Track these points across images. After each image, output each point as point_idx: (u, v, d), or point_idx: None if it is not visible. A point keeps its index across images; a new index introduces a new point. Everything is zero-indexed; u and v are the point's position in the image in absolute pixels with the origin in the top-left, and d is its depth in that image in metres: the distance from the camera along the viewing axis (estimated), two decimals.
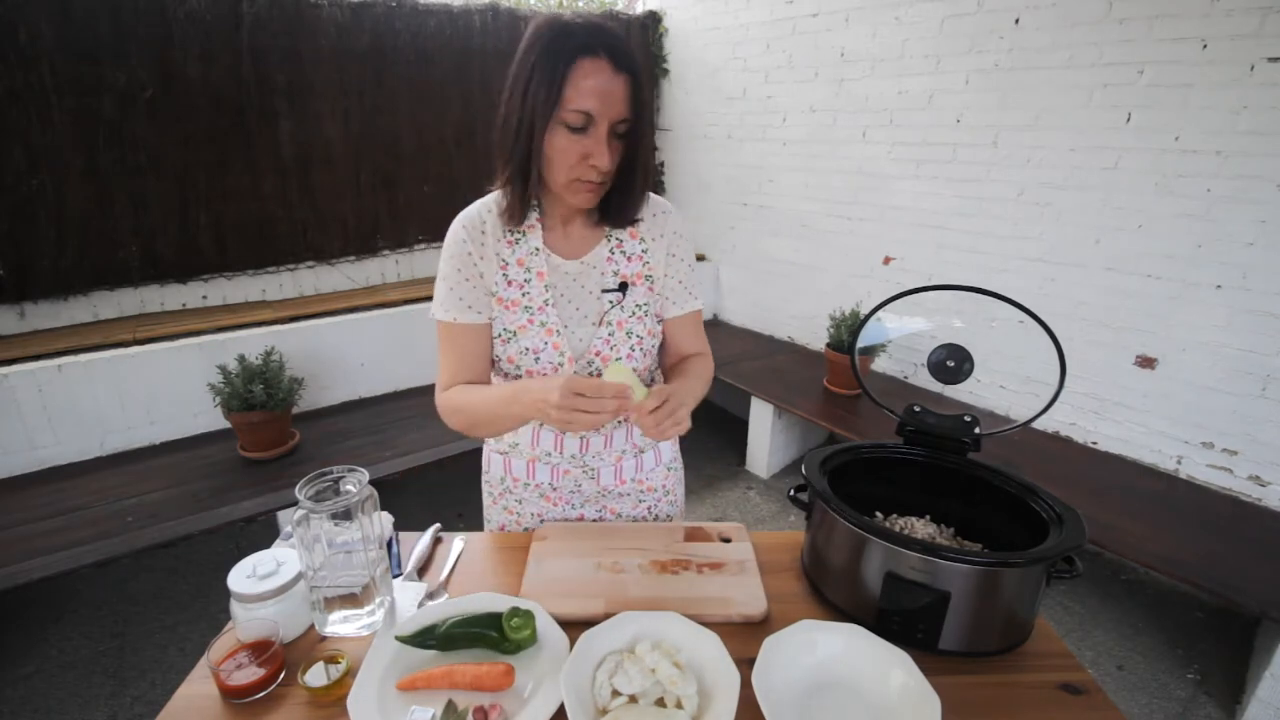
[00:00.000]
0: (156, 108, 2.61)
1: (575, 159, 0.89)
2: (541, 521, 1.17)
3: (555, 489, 1.15)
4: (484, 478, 1.23)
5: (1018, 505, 0.95)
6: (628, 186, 0.97)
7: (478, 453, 2.63)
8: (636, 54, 0.89)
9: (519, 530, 1.19)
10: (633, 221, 1.03)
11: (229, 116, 2.78)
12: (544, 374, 1.02)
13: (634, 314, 1.04)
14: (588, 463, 1.12)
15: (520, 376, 1.03)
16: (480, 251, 1.00)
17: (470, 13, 3.31)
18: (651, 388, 0.92)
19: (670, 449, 1.22)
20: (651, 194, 1.06)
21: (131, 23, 2.51)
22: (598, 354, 1.03)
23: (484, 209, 1.02)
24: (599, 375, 1.02)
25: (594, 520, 1.18)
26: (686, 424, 0.91)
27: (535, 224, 1.02)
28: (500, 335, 1.03)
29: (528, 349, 1.02)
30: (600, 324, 1.03)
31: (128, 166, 2.61)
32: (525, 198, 0.96)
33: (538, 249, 1.01)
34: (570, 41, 0.83)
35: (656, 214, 1.06)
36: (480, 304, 1.02)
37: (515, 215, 0.98)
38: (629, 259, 1.04)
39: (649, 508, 1.21)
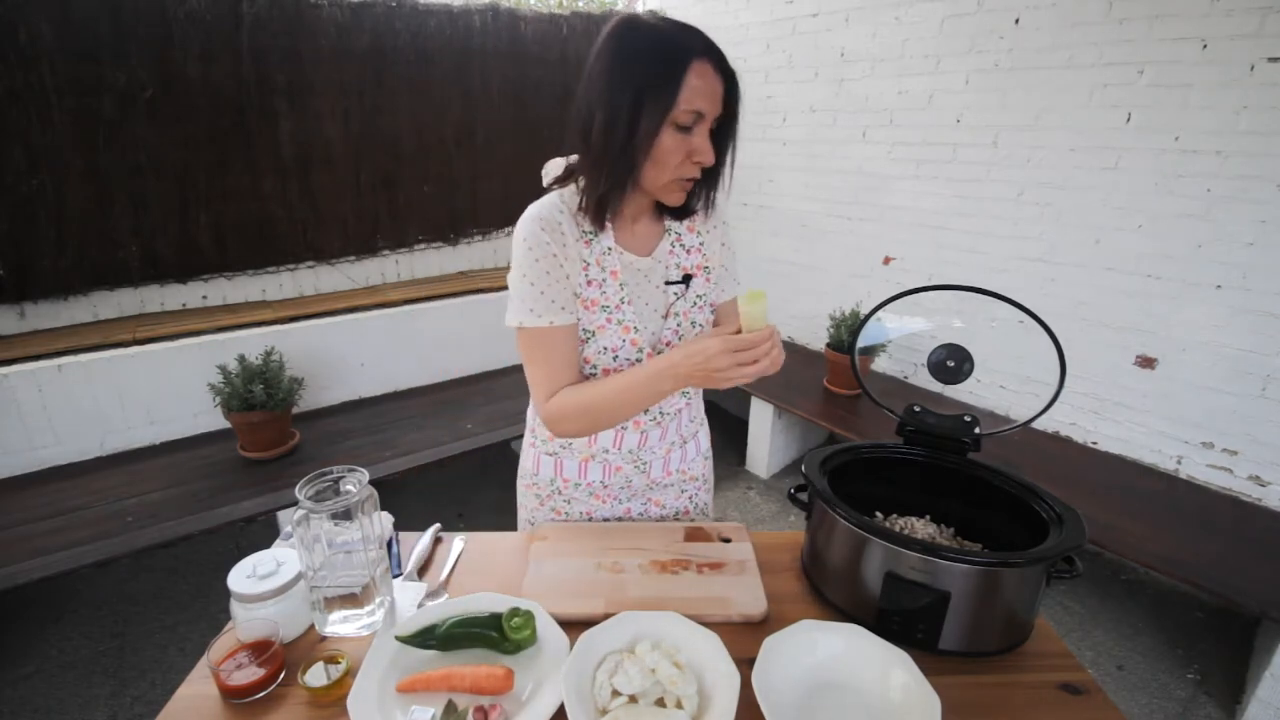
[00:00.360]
0: (156, 108, 2.61)
1: (681, 158, 0.90)
2: (590, 520, 1.18)
3: (606, 486, 1.16)
4: (527, 481, 1.22)
5: (1018, 505, 0.95)
6: (715, 180, 1.00)
7: (477, 453, 2.62)
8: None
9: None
10: (691, 214, 1.05)
11: (229, 117, 2.78)
12: (620, 370, 1.02)
13: (695, 304, 1.07)
14: (641, 456, 1.14)
15: (594, 375, 1.03)
16: (564, 252, 0.98)
17: (470, 13, 3.31)
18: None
19: (706, 438, 1.25)
20: None
21: (131, 23, 2.51)
22: (667, 343, 1.05)
23: (555, 209, 0.99)
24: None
25: (640, 514, 1.20)
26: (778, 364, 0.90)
27: (606, 224, 1.01)
28: (586, 332, 1.03)
29: (605, 348, 1.02)
30: (667, 316, 1.05)
31: (128, 166, 2.61)
32: (614, 198, 0.95)
33: (610, 248, 1.00)
34: (683, 45, 0.86)
35: (709, 205, 1.09)
36: (570, 304, 1.00)
37: (600, 216, 0.97)
38: (688, 251, 1.07)
39: (690, 497, 1.23)
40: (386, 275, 3.45)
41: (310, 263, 3.17)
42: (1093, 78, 2.31)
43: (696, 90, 0.86)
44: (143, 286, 2.79)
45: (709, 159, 0.90)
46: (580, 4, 4.02)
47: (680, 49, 0.86)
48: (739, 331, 0.87)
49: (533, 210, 1.00)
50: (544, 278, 0.97)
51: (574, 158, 1.01)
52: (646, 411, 1.08)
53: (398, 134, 3.24)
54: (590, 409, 0.97)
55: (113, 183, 2.60)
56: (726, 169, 0.98)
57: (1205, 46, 2.07)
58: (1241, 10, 1.98)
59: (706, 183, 1.00)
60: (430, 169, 3.40)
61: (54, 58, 2.40)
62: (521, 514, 1.26)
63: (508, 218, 3.75)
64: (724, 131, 0.93)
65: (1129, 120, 2.26)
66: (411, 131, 3.28)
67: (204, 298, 2.94)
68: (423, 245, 3.51)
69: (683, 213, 1.05)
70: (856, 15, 2.99)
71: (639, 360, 1.02)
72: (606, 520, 1.18)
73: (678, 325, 1.05)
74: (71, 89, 2.45)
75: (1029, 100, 2.49)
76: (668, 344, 1.04)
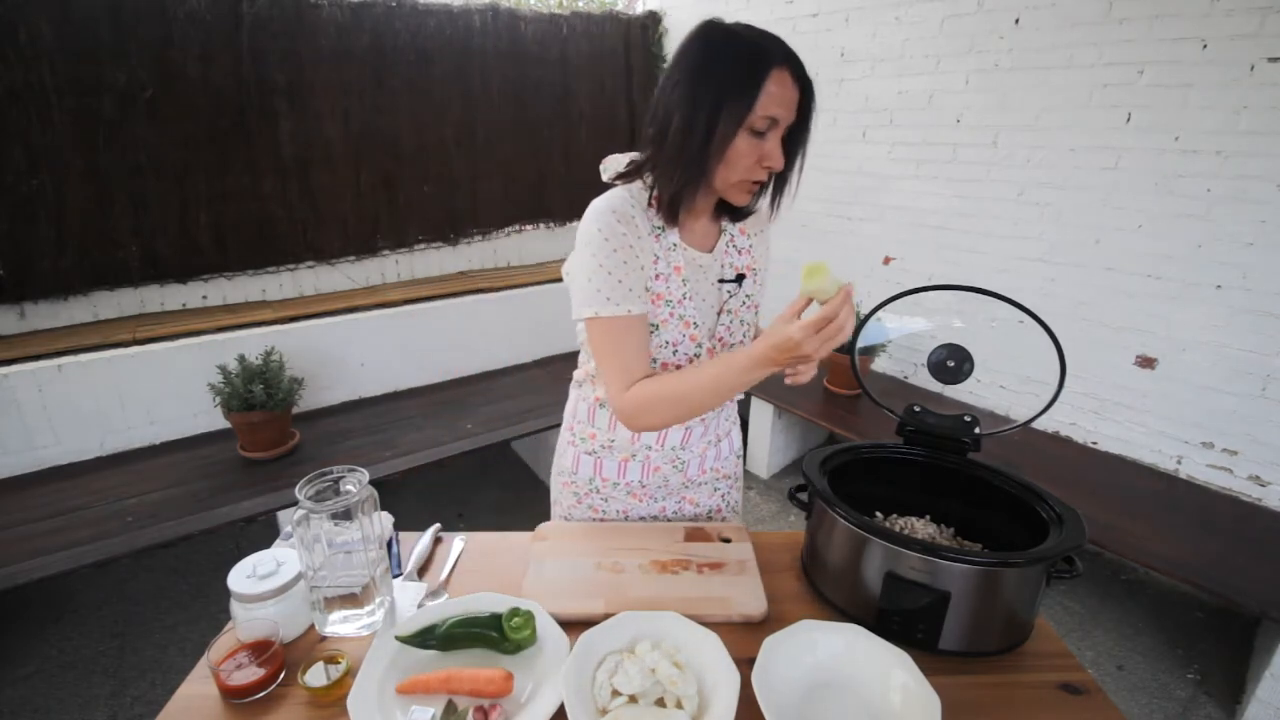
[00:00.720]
0: (156, 108, 2.61)
1: (752, 161, 0.93)
2: (627, 519, 1.20)
3: (644, 485, 1.18)
4: (565, 479, 1.22)
5: (1018, 505, 0.95)
6: (784, 185, 1.02)
7: (477, 453, 2.62)
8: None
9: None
10: (749, 215, 1.08)
11: (229, 117, 2.77)
12: (679, 365, 1.04)
13: (744, 303, 1.10)
14: (681, 455, 1.16)
15: (656, 369, 1.04)
16: (639, 244, 0.99)
17: (470, 13, 3.31)
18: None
19: (738, 436, 1.28)
20: None
21: (131, 23, 2.50)
22: (719, 339, 1.08)
23: (626, 203, 0.99)
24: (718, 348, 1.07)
25: (675, 512, 1.21)
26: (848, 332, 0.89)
27: (678, 219, 1.03)
28: (651, 325, 1.03)
29: (667, 342, 1.03)
30: (720, 313, 1.07)
31: (128, 166, 2.61)
32: (686, 195, 0.96)
33: (675, 244, 1.02)
34: (765, 52, 0.88)
35: (760, 211, 1.12)
36: (643, 295, 1.00)
37: (673, 212, 0.98)
38: (740, 252, 1.10)
39: (722, 495, 1.25)
40: (386, 275, 3.45)
41: (310, 263, 3.17)
42: (1093, 78, 2.31)
43: (774, 97, 0.88)
44: (143, 286, 2.79)
45: (778, 164, 0.93)
46: (580, 4, 4.02)
47: (762, 56, 0.88)
48: (800, 312, 0.86)
49: (604, 203, 0.99)
50: (622, 267, 0.97)
51: (636, 155, 1.03)
52: None
53: (398, 134, 3.24)
54: (683, 399, 0.95)
55: (113, 183, 2.59)
56: (795, 175, 1.00)
57: (1205, 46, 2.07)
58: (1241, 10, 1.98)
59: (777, 188, 1.02)
60: (430, 169, 3.40)
61: (54, 58, 2.39)
62: (556, 510, 1.27)
63: (508, 218, 3.75)
64: (795, 138, 0.95)
65: (1129, 120, 2.26)
66: (411, 131, 3.28)
67: (204, 298, 2.94)
68: (423, 245, 3.51)
69: (741, 214, 1.07)
70: (856, 15, 2.99)
71: (697, 355, 1.04)
72: (643, 519, 1.20)
73: (730, 323, 1.08)
74: (71, 89, 2.45)
75: (1029, 100, 2.49)
76: (720, 340, 1.07)
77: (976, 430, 1.00)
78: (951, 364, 0.99)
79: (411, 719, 0.74)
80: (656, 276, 1.01)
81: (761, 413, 3.12)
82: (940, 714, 0.71)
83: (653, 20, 3.98)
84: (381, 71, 3.11)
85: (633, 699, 0.75)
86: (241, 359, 2.35)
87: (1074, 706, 0.80)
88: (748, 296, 1.10)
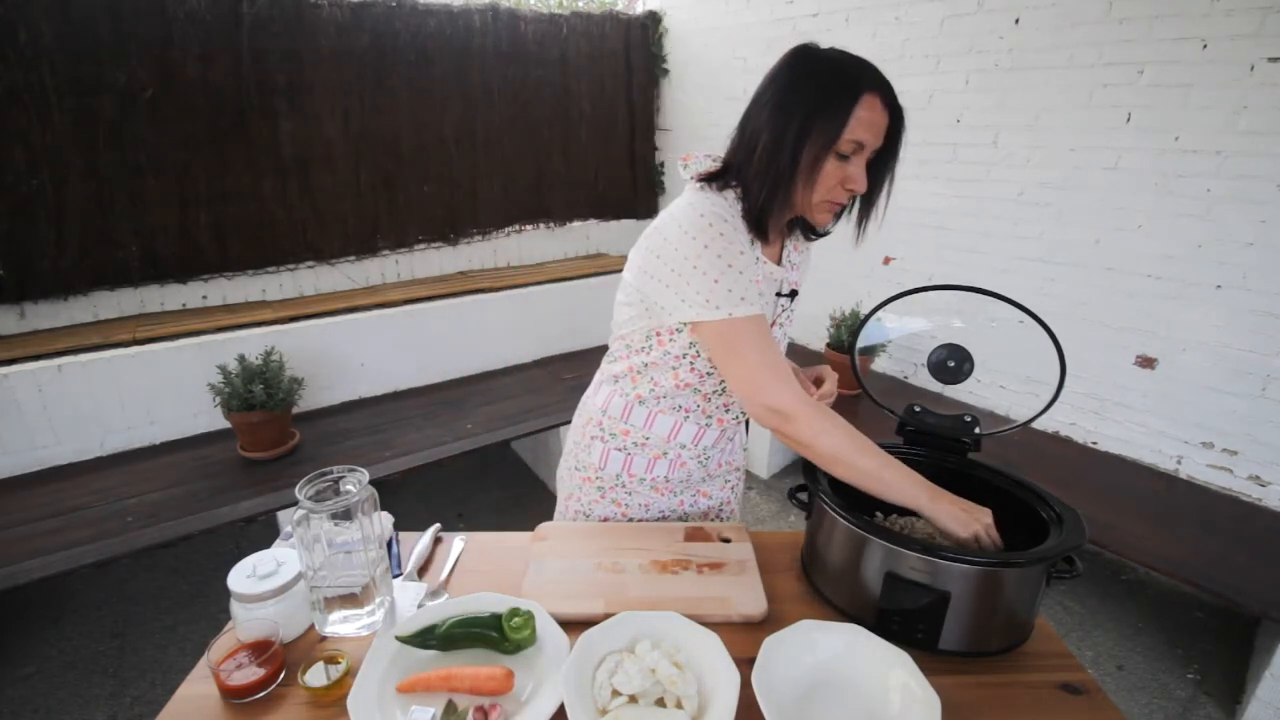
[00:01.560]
0: (156, 108, 2.61)
1: (834, 183, 0.94)
2: (648, 511, 1.21)
3: (668, 480, 1.19)
4: (587, 474, 1.21)
5: (1018, 505, 0.95)
6: (870, 210, 1.02)
7: (477, 453, 2.62)
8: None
9: (624, 521, 1.21)
10: (820, 236, 1.10)
11: (229, 117, 2.77)
12: None
13: (790, 317, 1.14)
14: (710, 452, 1.19)
15: (707, 374, 1.07)
16: (746, 254, 0.97)
17: (470, 13, 3.31)
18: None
19: (744, 431, 1.31)
20: None
21: (131, 23, 2.50)
22: None
23: (727, 210, 0.98)
24: None
25: (691, 505, 1.22)
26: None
27: (767, 235, 1.02)
28: None
29: None
30: (774, 325, 1.09)
31: (128, 166, 2.61)
32: (771, 211, 0.97)
33: (759, 258, 1.04)
34: (856, 77, 0.90)
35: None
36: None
37: (761, 227, 0.99)
38: (792, 268, 1.12)
39: (731, 488, 1.29)
40: (386, 275, 3.45)
41: (310, 263, 3.17)
42: (1093, 78, 2.31)
43: (862, 122, 0.90)
44: (143, 286, 2.79)
45: (861, 187, 0.94)
46: (580, 4, 4.02)
47: (853, 81, 0.90)
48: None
49: (707, 207, 0.96)
50: (750, 267, 0.96)
51: (719, 156, 1.03)
52: (728, 411, 1.15)
53: (398, 134, 3.24)
54: (851, 460, 0.93)
55: (113, 183, 2.59)
56: (882, 199, 1.01)
57: (1205, 46, 2.07)
58: (1241, 10, 1.98)
59: (864, 211, 1.02)
60: (430, 169, 3.40)
61: (54, 58, 2.39)
62: (571, 505, 1.25)
63: (508, 218, 3.75)
64: (882, 163, 0.96)
65: (1129, 120, 2.26)
66: (411, 131, 3.28)
67: (204, 298, 2.94)
68: (423, 245, 3.51)
69: (816, 233, 1.10)
70: (856, 15, 2.99)
71: None
72: (662, 512, 1.21)
73: (780, 336, 1.11)
74: (71, 89, 2.45)
75: (1029, 100, 2.49)
76: None
77: (976, 430, 1.00)
78: (951, 364, 0.99)
79: (411, 719, 0.74)
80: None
81: None
82: (940, 714, 0.71)
83: (653, 20, 3.98)
84: (381, 71, 3.11)
85: (633, 699, 0.75)
86: (241, 359, 2.35)
87: (1074, 706, 0.80)
88: (792, 313, 1.14)
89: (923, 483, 0.91)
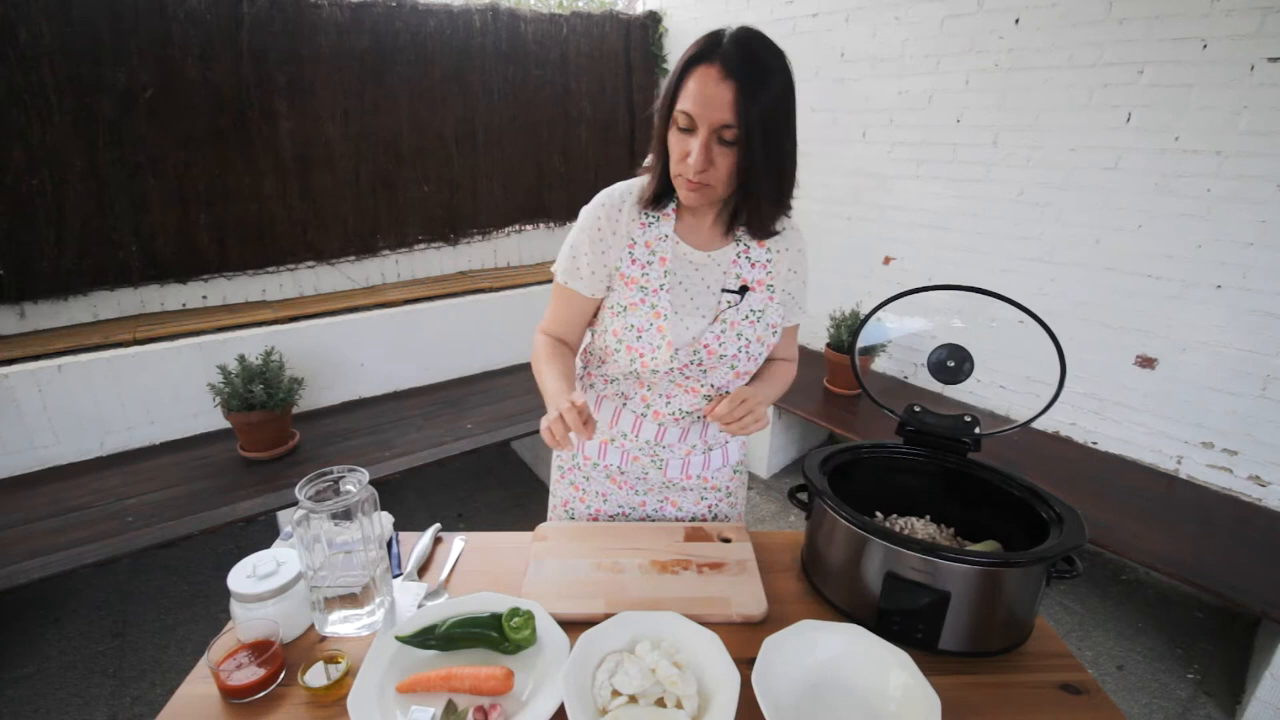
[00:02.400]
0: (156, 108, 2.61)
1: (679, 156, 0.93)
2: (605, 501, 1.21)
3: (623, 473, 1.18)
4: (554, 452, 1.25)
5: (1018, 505, 0.95)
6: (747, 197, 0.98)
7: (477, 453, 2.62)
8: (770, 69, 0.90)
9: (581, 508, 1.23)
10: (769, 234, 1.06)
11: (229, 117, 2.77)
12: (639, 354, 1.05)
13: (747, 317, 1.06)
14: (658, 452, 1.16)
15: (622, 351, 1.06)
16: (612, 227, 1.04)
17: (470, 13, 3.31)
18: (732, 392, 1.02)
19: (738, 452, 1.26)
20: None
21: (131, 23, 2.50)
22: (705, 346, 1.05)
23: (627, 189, 1.06)
24: (699, 365, 1.06)
25: (655, 510, 1.21)
26: (765, 421, 1.02)
27: (670, 213, 1.05)
28: (613, 308, 1.07)
29: (633, 325, 1.04)
30: (715, 320, 1.05)
31: (128, 166, 2.61)
32: (660, 184, 1.01)
33: (667, 235, 1.04)
34: (696, 49, 0.90)
35: (786, 229, 1.09)
36: (595, 277, 1.06)
37: (649, 199, 1.03)
38: (753, 265, 1.07)
39: (710, 506, 1.24)
40: (386, 275, 3.45)
41: (310, 263, 3.17)
42: (1093, 78, 2.31)
43: (689, 93, 0.89)
44: (143, 286, 2.79)
45: (692, 163, 0.91)
46: (580, 4, 4.02)
47: (691, 55, 0.90)
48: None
49: (607, 189, 1.07)
50: (583, 244, 1.06)
51: None
52: (668, 404, 1.11)
53: (398, 134, 3.24)
54: (535, 363, 1.11)
55: (113, 183, 2.59)
56: (763, 185, 0.96)
57: (1205, 46, 2.07)
58: (1241, 10, 1.98)
59: (746, 202, 0.99)
60: (430, 169, 3.40)
61: (54, 58, 2.39)
62: (551, 499, 1.30)
63: (508, 218, 3.75)
64: (747, 144, 0.89)
65: (1129, 120, 2.26)
66: (411, 131, 3.28)
67: (204, 298, 2.94)
68: (423, 245, 3.51)
69: (755, 229, 1.05)
70: (856, 15, 2.99)
71: (660, 346, 1.03)
72: (622, 509, 1.20)
73: (722, 332, 1.05)
74: (71, 89, 2.44)
75: (1029, 100, 2.49)
76: (706, 347, 1.05)
77: (976, 430, 1.00)
78: (951, 364, 0.99)
79: (411, 719, 0.74)
80: (633, 261, 1.04)
81: None
82: (940, 714, 0.71)
83: (653, 20, 3.98)
84: (381, 71, 3.10)
85: (633, 699, 0.75)
86: (241, 359, 2.35)
87: (1074, 706, 0.80)
88: (753, 311, 1.07)
89: (558, 391, 1.00)
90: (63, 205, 2.52)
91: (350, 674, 0.80)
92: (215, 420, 2.53)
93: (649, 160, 1.02)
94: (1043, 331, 0.95)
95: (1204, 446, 2.30)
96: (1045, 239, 2.55)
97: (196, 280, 2.90)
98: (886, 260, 3.14)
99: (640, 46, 3.97)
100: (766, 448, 3.16)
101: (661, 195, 1.02)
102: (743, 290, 1.07)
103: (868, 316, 1.09)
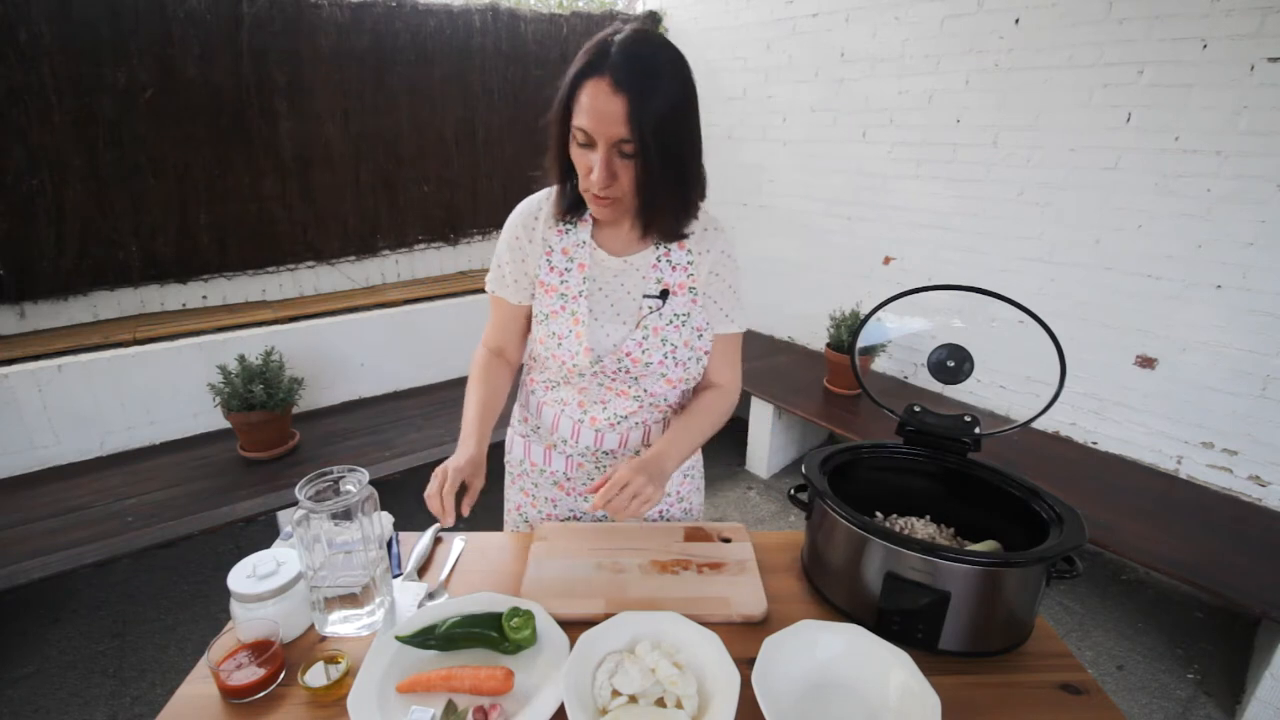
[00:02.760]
0: (156, 108, 2.61)
1: (584, 171, 0.91)
2: (555, 507, 1.21)
3: (569, 479, 1.18)
4: (506, 456, 1.28)
5: (1018, 505, 0.95)
6: (648, 206, 0.93)
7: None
8: (660, 74, 0.85)
9: (533, 512, 1.23)
10: (679, 238, 1.02)
11: (229, 117, 2.78)
12: (562, 361, 1.05)
13: (672, 322, 1.04)
14: (601, 459, 1.15)
15: (549, 357, 1.07)
16: (529, 236, 1.05)
17: (470, 13, 3.31)
18: (624, 462, 0.96)
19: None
20: (705, 209, 1.05)
21: (131, 23, 2.50)
22: (628, 354, 1.03)
23: (543, 197, 1.06)
24: (627, 372, 1.05)
25: (603, 518, 1.19)
26: (654, 500, 0.93)
27: (588, 219, 1.04)
28: (537, 315, 1.08)
29: (554, 333, 1.05)
30: (637, 326, 1.03)
31: (128, 166, 2.61)
32: (565, 195, 1.00)
33: (584, 242, 1.03)
34: (585, 61, 0.85)
35: (707, 229, 1.05)
36: (519, 285, 1.08)
37: (559, 210, 1.02)
38: (674, 268, 1.04)
39: (660, 511, 1.22)
40: (386, 275, 3.45)
41: (310, 263, 3.17)
42: (1093, 78, 2.31)
43: (582, 108, 0.86)
44: (143, 286, 2.79)
45: (595, 179, 0.88)
46: (580, 4, 4.02)
47: (580, 68, 0.85)
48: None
49: (528, 198, 1.08)
50: (504, 254, 1.08)
51: None
52: (604, 410, 1.09)
53: (398, 134, 3.24)
54: (469, 380, 1.14)
55: (113, 183, 2.59)
56: (668, 197, 0.92)
57: (1205, 46, 2.07)
58: (1241, 10, 1.98)
59: (650, 211, 0.94)
60: (430, 169, 3.40)
61: (54, 58, 2.40)
62: (505, 490, 1.31)
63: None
64: (644, 155, 0.86)
65: (1129, 120, 2.26)
66: (411, 131, 3.28)
67: (204, 298, 2.94)
68: (423, 245, 3.51)
69: (669, 235, 1.00)
70: (856, 15, 2.99)
71: (578, 351, 1.03)
72: (572, 512, 1.21)
73: (644, 339, 1.03)
74: (71, 89, 2.45)
75: (1029, 100, 2.49)
76: (629, 355, 1.03)
77: (976, 430, 1.00)
78: (951, 364, 0.99)
79: (411, 719, 0.74)
80: (551, 269, 1.05)
81: (761, 413, 3.12)
82: (940, 714, 0.71)
83: (653, 20, 3.91)
84: (381, 71, 3.11)
85: (633, 699, 0.75)
86: (241, 359, 2.35)
87: (1074, 706, 0.80)
88: (677, 316, 1.03)
89: (471, 436, 1.04)
90: (63, 205, 2.52)
91: (350, 674, 0.80)
92: (215, 420, 2.53)
93: (549, 171, 0.99)
94: (1043, 331, 0.95)
95: (1204, 446, 2.30)
96: (1045, 239, 2.55)
97: (196, 280, 2.90)
98: (886, 260, 3.14)
99: None
100: (766, 448, 3.16)
101: (571, 209, 1.01)
102: (664, 294, 1.03)
103: (868, 316, 1.09)
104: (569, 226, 1.04)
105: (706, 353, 1.09)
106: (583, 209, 1.02)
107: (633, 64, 0.83)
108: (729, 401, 1.13)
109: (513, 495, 1.27)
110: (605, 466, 1.15)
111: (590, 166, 0.88)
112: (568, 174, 0.97)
